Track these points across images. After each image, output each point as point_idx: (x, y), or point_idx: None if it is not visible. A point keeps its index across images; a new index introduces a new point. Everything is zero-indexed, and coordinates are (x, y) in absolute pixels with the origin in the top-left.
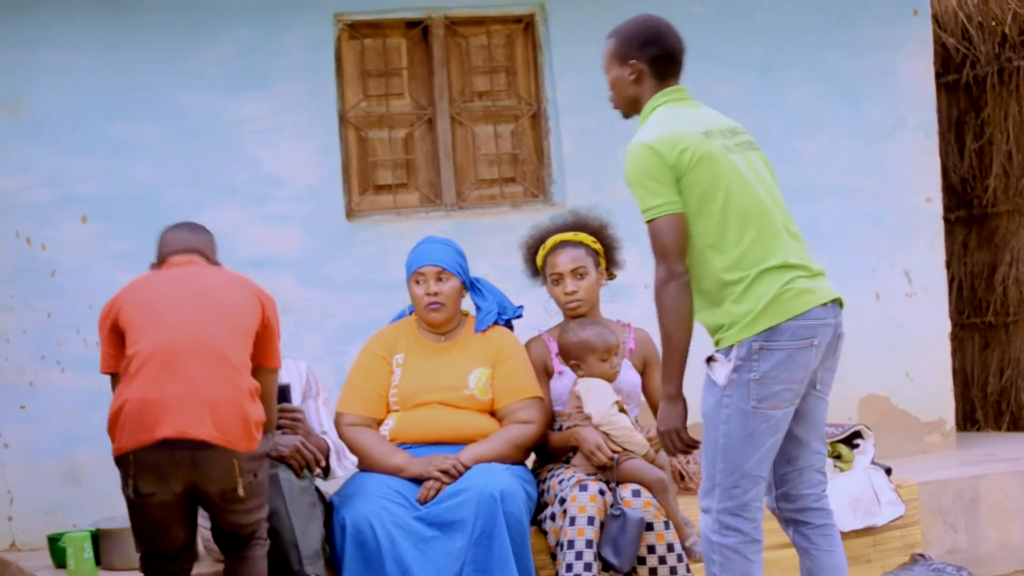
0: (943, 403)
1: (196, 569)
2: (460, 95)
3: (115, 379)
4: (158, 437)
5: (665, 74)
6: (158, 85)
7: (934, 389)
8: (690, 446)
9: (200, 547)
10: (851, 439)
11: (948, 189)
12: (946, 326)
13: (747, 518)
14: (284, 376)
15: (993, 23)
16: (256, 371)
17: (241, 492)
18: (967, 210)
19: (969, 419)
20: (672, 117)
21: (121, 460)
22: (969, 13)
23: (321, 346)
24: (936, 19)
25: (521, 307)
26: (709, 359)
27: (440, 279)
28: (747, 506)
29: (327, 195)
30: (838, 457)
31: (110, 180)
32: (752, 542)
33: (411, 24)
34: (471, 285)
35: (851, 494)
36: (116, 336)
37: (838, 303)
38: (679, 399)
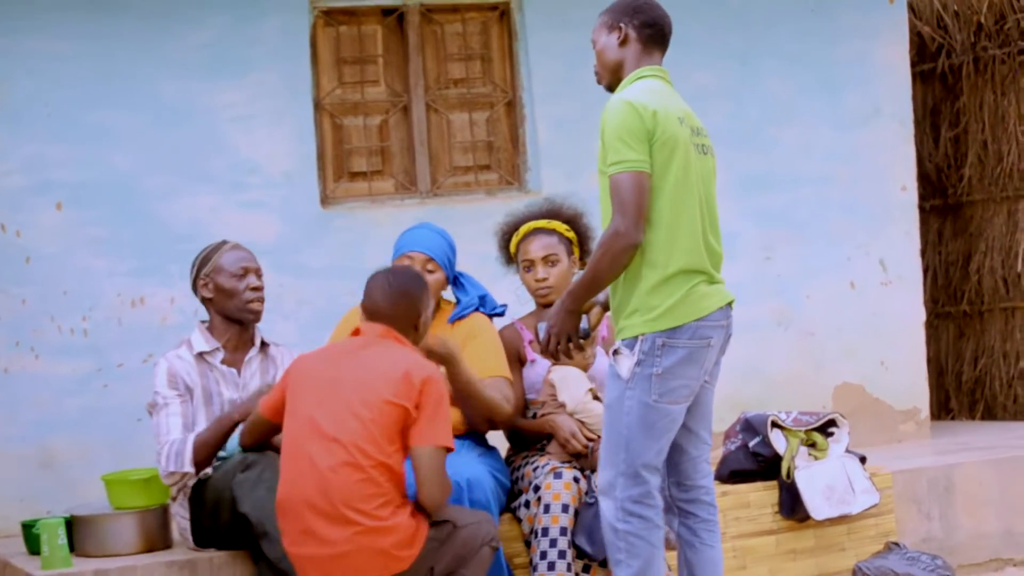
0: (918, 392)
1: (170, 556)
2: (435, 82)
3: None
4: None
5: (651, 44)
6: (135, 73)
7: (909, 378)
8: (574, 348)
9: (175, 534)
10: (825, 427)
11: (923, 178)
12: (921, 315)
13: (649, 505)
14: (280, 365)
15: (969, 12)
16: (412, 449)
17: None
18: (942, 199)
19: (943, 408)
20: (656, 91)
21: None
22: (945, 2)
23: (296, 333)
24: (912, 8)
25: (504, 305)
26: (615, 351)
27: (427, 269)
28: (649, 494)
29: (302, 182)
30: (812, 445)
31: (86, 167)
32: (655, 528)
33: (387, 11)
34: (454, 279)
35: (825, 482)
36: (282, 395)
37: (730, 305)
38: (577, 314)
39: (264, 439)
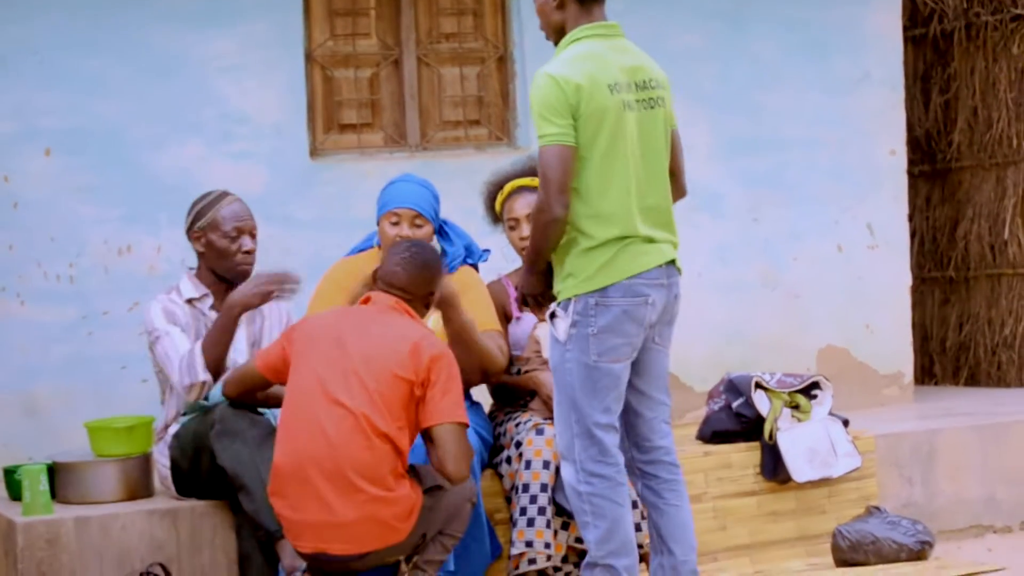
0: (902, 356)
1: (151, 505)
2: (427, 36)
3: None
4: (302, 550)
5: (588, 2)
6: (125, 21)
7: (893, 342)
8: (548, 300)
9: (156, 483)
10: (809, 390)
11: (912, 143)
12: (907, 280)
13: (609, 463)
14: (267, 315)
15: None
16: (429, 430)
17: (405, 570)
18: (931, 164)
19: (927, 373)
20: (585, 58)
21: None
22: None
23: None
24: None
25: (487, 251)
26: (552, 315)
27: (416, 224)
28: (607, 451)
29: (291, 133)
30: (796, 407)
31: (75, 114)
32: (618, 485)
33: None
34: (439, 229)
35: (808, 445)
36: (283, 365)
37: (673, 265)
38: (538, 275)
39: (251, 393)
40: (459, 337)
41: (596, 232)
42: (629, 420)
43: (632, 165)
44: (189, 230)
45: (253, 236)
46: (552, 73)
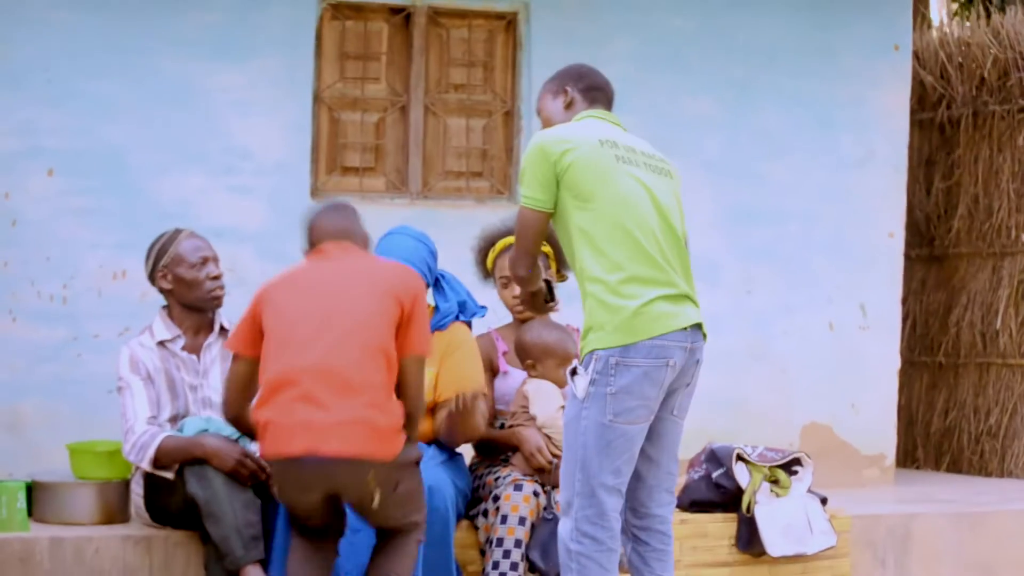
0: (885, 438)
1: (126, 530)
2: (436, 85)
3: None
4: (291, 454)
5: (596, 103)
6: (138, 47)
7: (878, 423)
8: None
9: (132, 512)
10: (790, 465)
11: (912, 225)
12: (896, 362)
13: (604, 527)
14: None
15: (973, 65)
16: (400, 361)
17: (376, 504)
18: (929, 248)
19: (910, 456)
20: (578, 126)
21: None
22: (950, 53)
23: None
24: (917, 56)
25: (484, 308)
26: (572, 371)
27: None
28: (605, 515)
29: (294, 172)
30: (775, 482)
31: (80, 136)
32: (608, 551)
33: (395, 10)
34: (435, 282)
35: (785, 520)
36: (256, 330)
37: (699, 329)
38: (534, 294)
39: (249, 398)
40: (464, 426)
41: (609, 273)
42: (632, 484)
43: (651, 221)
44: (153, 272)
45: (217, 263)
46: (543, 139)
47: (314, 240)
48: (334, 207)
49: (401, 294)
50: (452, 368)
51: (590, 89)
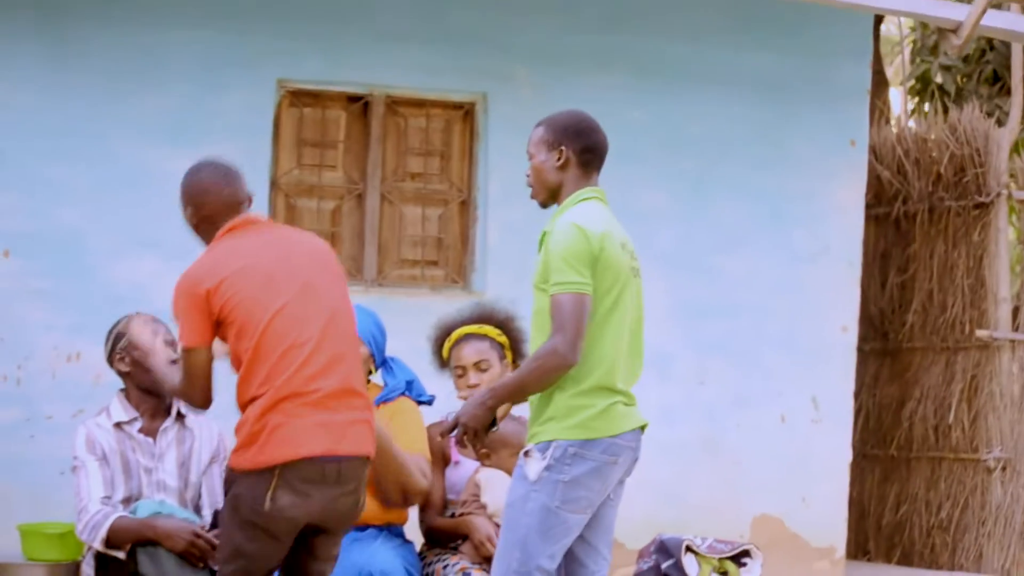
0: (836, 531)
1: None
2: (393, 174)
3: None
4: (312, 453)
5: (590, 167)
6: (94, 130)
7: (829, 516)
8: (480, 445)
9: None
10: (739, 557)
11: (866, 319)
12: (847, 455)
13: None
14: (197, 436)
15: (930, 161)
16: None
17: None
18: (883, 342)
19: (862, 549)
20: (601, 214)
21: (265, 471)
22: (907, 149)
23: (232, 407)
24: (874, 151)
25: (432, 396)
26: (526, 452)
27: None
28: None
29: None
30: (725, 574)
31: (36, 218)
32: None
33: (353, 98)
34: (383, 363)
35: None
36: (214, 321)
37: (643, 429)
38: (492, 410)
39: (210, 377)
40: (379, 451)
41: (584, 377)
42: (572, 568)
43: (627, 325)
44: (111, 355)
45: (174, 346)
46: (579, 223)
47: (211, 210)
48: (223, 171)
49: (340, 266)
50: (394, 432)
51: (586, 151)
